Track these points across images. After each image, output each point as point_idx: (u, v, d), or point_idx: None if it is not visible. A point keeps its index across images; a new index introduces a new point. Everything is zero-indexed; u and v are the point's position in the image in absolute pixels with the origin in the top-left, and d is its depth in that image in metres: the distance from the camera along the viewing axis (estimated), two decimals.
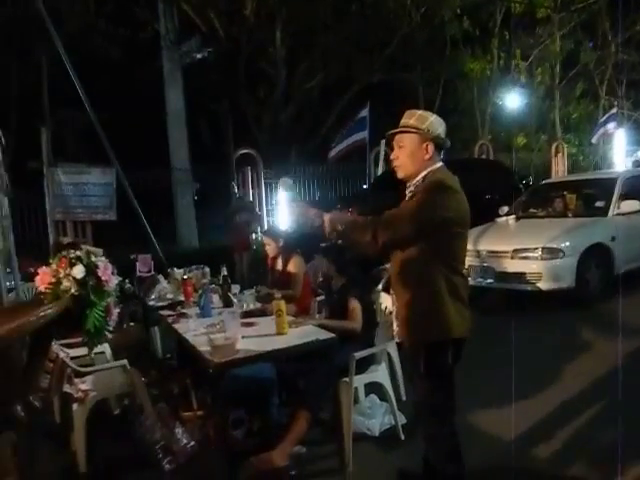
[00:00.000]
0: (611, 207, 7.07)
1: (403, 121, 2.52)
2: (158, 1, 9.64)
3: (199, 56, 9.89)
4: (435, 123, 2.49)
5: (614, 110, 15.93)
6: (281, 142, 11.92)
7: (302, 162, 12.02)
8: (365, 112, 10.60)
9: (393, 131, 2.53)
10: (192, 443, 3.51)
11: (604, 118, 14.99)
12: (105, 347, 4.01)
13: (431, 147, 2.46)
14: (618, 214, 7.01)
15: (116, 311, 2.78)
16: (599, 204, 7.32)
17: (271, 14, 11.74)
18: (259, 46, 11.90)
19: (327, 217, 2.45)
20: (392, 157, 2.56)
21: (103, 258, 2.05)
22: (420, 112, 2.53)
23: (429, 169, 2.47)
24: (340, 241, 2.65)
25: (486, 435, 3.50)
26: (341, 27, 12.32)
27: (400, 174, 2.54)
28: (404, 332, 2.53)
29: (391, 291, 2.67)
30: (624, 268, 6.85)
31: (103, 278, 2.03)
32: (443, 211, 2.35)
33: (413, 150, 2.47)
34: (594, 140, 15.29)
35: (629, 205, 7.05)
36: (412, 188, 2.50)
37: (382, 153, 10.76)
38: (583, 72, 18.63)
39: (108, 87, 11.21)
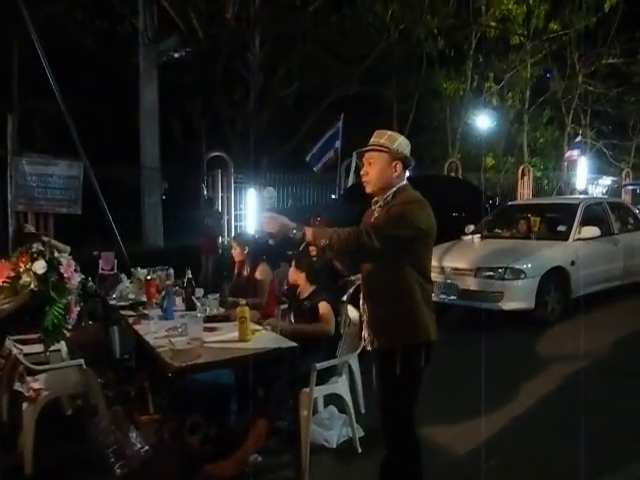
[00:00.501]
0: (572, 232, 7.27)
1: (374, 140, 2.67)
2: None
3: (176, 55, 9.81)
4: (403, 144, 2.67)
5: (579, 138, 16.44)
6: (254, 147, 11.88)
7: (274, 169, 12.00)
8: (339, 123, 10.69)
9: (364, 149, 2.68)
10: (146, 447, 3.44)
11: (570, 145, 15.47)
12: (61, 345, 3.90)
13: (399, 166, 2.64)
14: (578, 239, 7.22)
15: (76, 309, 2.73)
16: (561, 228, 7.52)
17: (251, 19, 11.73)
18: (238, 50, 11.86)
19: (309, 231, 2.48)
20: (362, 172, 2.71)
21: (68, 255, 2.01)
22: (390, 132, 2.70)
23: (398, 186, 2.64)
24: (321, 253, 2.65)
25: (436, 449, 3.54)
26: (320, 37, 12.40)
27: (368, 189, 2.69)
28: (380, 337, 2.60)
29: (361, 301, 2.72)
30: (582, 292, 7.04)
31: (65, 275, 1.99)
32: (420, 223, 2.53)
33: (383, 168, 2.63)
34: (557, 166, 15.75)
35: (589, 231, 7.26)
36: (382, 203, 2.65)
37: (353, 165, 10.83)
38: (551, 100, 19.18)
39: (81, 79, 11.00)
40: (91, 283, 3.68)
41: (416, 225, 2.51)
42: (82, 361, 3.49)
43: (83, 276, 2.52)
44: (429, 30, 14.77)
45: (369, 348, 2.69)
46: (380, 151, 2.62)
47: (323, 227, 2.74)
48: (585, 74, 18.92)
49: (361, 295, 2.73)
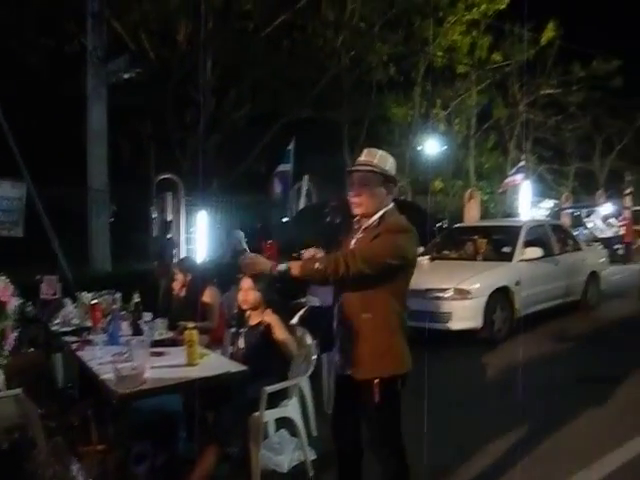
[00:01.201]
0: (516, 253, 7.52)
1: (366, 159, 2.59)
2: (87, 15, 9.36)
3: (126, 76, 9.65)
4: (394, 164, 2.64)
5: (522, 163, 17.09)
6: (204, 169, 11.80)
7: (224, 191, 11.94)
8: (291, 146, 10.76)
9: (358, 168, 2.59)
10: None
11: (513, 170, 16.05)
12: None
13: (391, 187, 2.60)
14: (522, 260, 7.47)
15: (13, 335, 2.61)
16: (506, 249, 7.77)
17: (203, 42, 11.75)
18: (189, 72, 11.83)
19: (295, 265, 2.45)
20: (352, 194, 2.60)
21: (3, 277, 1.93)
22: (381, 152, 2.63)
23: (385, 210, 2.59)
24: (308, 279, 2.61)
25: None
26: (272, 61, 12.52)
27: (359, 210, 2.61)
28: (358, 367, 2.56)
29: (335, 324, 2.67)
30: (526, 310, 7.27)
31: (2, 299, 1.91)
32: (408, 253, 2.52)
33: (376, 190, 2.56)
34: (500, 190, 16.31)
35: (532, 252, 7.53)
36: (366, 226, 2.59)
37: (304, 188, 10.90)
38: (495, 126, 19.94)
39: (25, 98, 10.71)
40: (30, 307, 3.53)
41: (405, 255, 2.50)
42: (20, 391, 3.33)
43: (22, 300, 2.42)
44: (379, 57, 15.15)
45: (339, 372, 2.65)
46: (374, 172, 2.55)
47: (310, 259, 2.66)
48: (526, 103, 19.79)
49: (335, 318, 2.66)
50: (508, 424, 4.24)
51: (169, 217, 9.74)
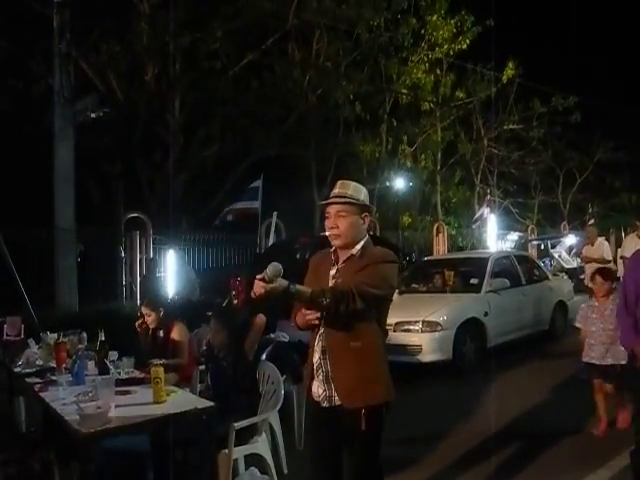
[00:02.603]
0: (484, 284, 7.64)
1: (340, 191, 2.64)
2: (54, 55, 9.40)
3: (94, 115, 9.65)
4: (367, 195, 2.71)
5: (488, 197, 17.51)
6: (173, 208, 11.78)
7: (193, 229, 11.91)
8: (258, 182, 10.86)
9: (335, 201, 2.62)
10: None
11: (484, 204, 16.43)
12: None
13: (367, 218, 2.67)
14: (490, 291, 7.58)
15: None
16: (473, 281, 7.89)
17: (171, 82, 11.88)
18: (157, 112, 11.90)
19: (303, 293, 2.41)
20: (330, 226, 2.63)
21: None
22: (354, 183, 2.69)
23: (365, 240, 2.65)
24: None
25: None
26: (240, 101, 12.69)
27: (338, 242, 2.63)
28: (348, 396, 2.55)
29: (316, 357, 2.63)
30: (496, 341, 7.35)
31: None
32: (394, 282, 2.61)
33: (353, 221, 2.61)
34: (475, 225, 16.63)
35: (499, 282, 7.67)
36: (347, 257, 2.61)
37: (274, 225, 10.96)
38: (461, 161, 20.43)
39: None
40: None
41: (392, 285, 2.59)
42: None
43: None
44: (345, 95, 15.50)
45: (325, 405, 2.62)
46: (351, 203, 2.60)
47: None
48: (490, 138, 20.38)
49: (317, 350, 2.63)
50: (477, 452, 4.26)
51: (150, 255, 9.72)
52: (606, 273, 4.66)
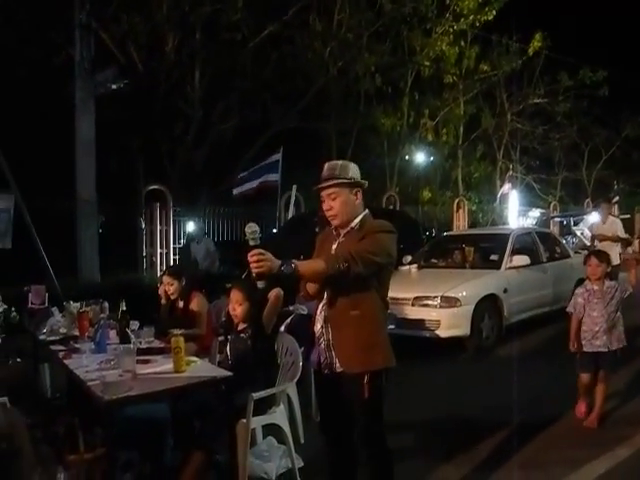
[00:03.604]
0: (504, 261, 7.56)
1: (327, 173, 2.71)
2: (75, 26, 9.40)
3: (114, 87, 9.67)
4: (355, 170, 2.75)
5: (510, 173, 17.27)
6: (193, 181, 11.82)
7: (213, 202, 11.96)
8: (278, 156, 10.81)
9: (323, 185, 2.71)
10: None
11: (506, 182, 16.23)
12: None
13: (359, 193, 2.74)
14: (510, 267, 7.51)
15: None
16: (493, 257, 7.82)
17: (191, 54, 11.81)
18: (177, 83, 11.88)
19: (301, 264, 2.50)
20: (325, 208, 2.73)
21: None
22: (340, 162, 2.76)
23: (363, 214, 2.74)
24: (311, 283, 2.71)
25: None
26: (260, 73, 12.60)
27: (336, 222, 2.74)
28: (349, 362, 2.65)
29: (319, 325, 2.75)
30: (515, 318, 7.31)
31: None
32: (392, 251, 2.66)
33: (346, 199, 2.70)
34: (498, 200, 16.43)
35: (520, 259, 7.58)
36: (347, 230, 2.72)
37: (293, 198, 10.95)
38: (483, 136, 20.11)
39: (12, 108, 10.68)
40: (14, 313, 3.51)
41: (389, 253, 2.64)
42: (6, 399, 3.32)
43: (6, 306, 2.42)
44: (367, 68, 15.28)
45: (326, 372, 2.73)
46: (339, 185, 2.68)
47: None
48: (513, 112, 20.00)
49: (319, 319, 2.75)
50: (493, 432, 4.27)
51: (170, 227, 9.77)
52: (602, 255, 4.44)
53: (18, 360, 4.78)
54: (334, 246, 2.75)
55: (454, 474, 3.62)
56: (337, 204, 2.69)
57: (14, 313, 3.43)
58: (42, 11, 10.03)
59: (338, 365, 2.69)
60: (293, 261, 2.46)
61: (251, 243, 2.46)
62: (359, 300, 2.63)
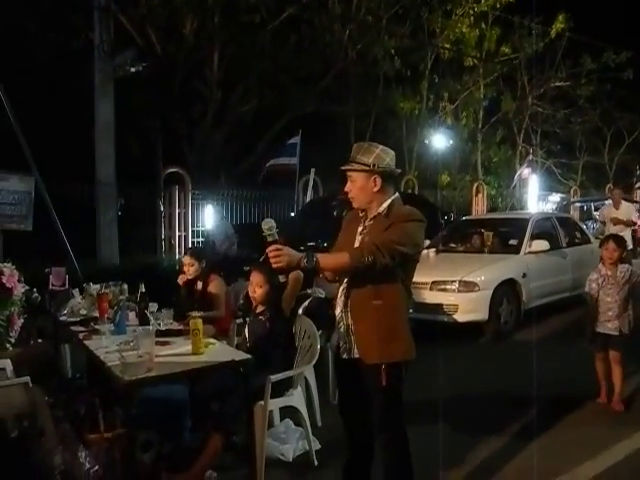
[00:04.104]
0: (523, 246, 7.49)
1: (352, 155, 2.67)
2: (94, 9, 9.41)
3: (133, 70, 9.67)
4: (382, 156, 2.65)
5: (530, 157, 17.01)
6: (211, 164, 11.83)
7: (231, 185, 11.97)
8: (296, 139, 10.77)
9: (343, 168, 2.69)
10: (96, 467, 3.33)
11: (524, 166, 15.97)
12: (6, 363, 3.75)
13: (379, 180, 2.64)
14: (529, 252, 7.44)
15: (20, 322, 2.64)
16: (512, 242, 7.74)
17: (210, 36, 11.76)
18: (196, 66, 11.85)
19: (323, 257, 2.50)
20: (346, 189, 2.71)
21: (9, 265, 1.95)
22: (366, 145, 2.69)
23: (391, 199, 2.66)
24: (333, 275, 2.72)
25: None
26: (278, 56, 12.51)
27: (354, 204, 2.73)
28: (367, 352, 2.61)
29: (339, 310, 2.71)
30: (533, 304, 7.24)
31: (8, 285, 1.94)
32: (420, 241, 2.62)
33: (362, 184, 2.65)
34: (514, 184, 16.21)
35: (539, 244, 7.50)
36: (374, 215, 2.66)
37: (311, 182, 10.92)
38: (503, 120, 19.80)
39: (32, 92, 10.76)
40: (36, 294, 3.56)
41: (418, 243, 2.60)
42: (28, 379, 3.37)
43: (27, 287, 2.45)
44: (386, 50, 15.10)
45: (344, 357, 2.69)
46: (357, 170, 2.64)
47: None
48: (535, 96, 19.65)
49: (339, 303, 2.71)
50: (511, 414, 4.25)
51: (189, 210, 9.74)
52: (620, 240, 4.45)
53: (39, 340, 4.85)
54: (360, 228, 2.72)
55: (464, 457, 3.61)
56: (354, 188, 2.67)
57: (35, 294, 3.47)
58: None
59: (356, 351, 2.65)
60: (315, 254, 2.45)
61: (269, 239, 2.47)
62: (382, 290, 2.58)
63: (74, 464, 3.32)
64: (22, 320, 1.90)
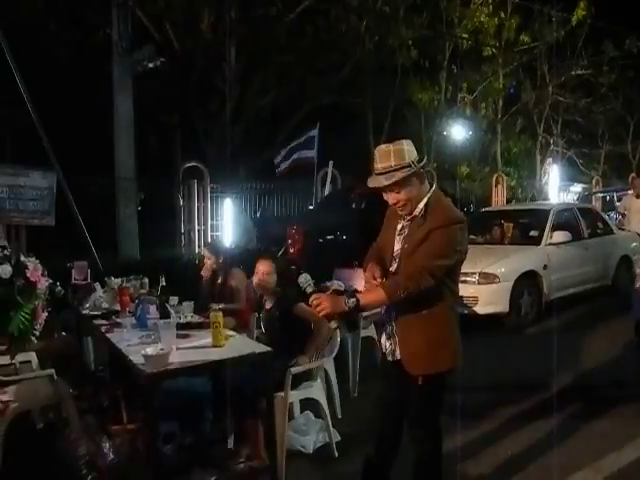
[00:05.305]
0: (544, 237, 7.40)
1: (383, 165, 2.43)
2: (112, 6, 9.48)
3: (151, 65, 9.74)
4: (411, 149, 2.47)
5: (551, 147, 16.76)
6: (230, 157, 11.87)
7: (250, 178, 11.99)
8: (314, 132, 10.74)
9: (387, 184, 2.44)
10: (119, 458, 3.39)
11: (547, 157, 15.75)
12: (31, 356, 3.82)
13: (422, 175, 2.48)
14: (550, 244, 7.35)
15: (44, 315, 2.69)
16: (533, 233, 7.66)
17: (227, 31, 11.76)
18: (213, 61, 11.87)
19: (363, 295, 2.45)
20: (391, 202, 2.52)
21: (33, 259, 1.98)
22: (393, 147, 2.45)
23: (427, 197, 2.49)
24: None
25: None
26: (295, 48, 12.47)
27: (407, 211, 2.52)
28: (415, 361, 2.53)
29: (385, 309, 2.62)
30: (554, 295, 7.16)
31: (32, 279, 1.97)
32: (462, 246, 2.45)
33: (411, 187, 2.46)
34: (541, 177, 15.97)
35: (560, 235, 7.40)
36: (412, 216, 2.51)
37: (330, 174, 10.89)
38: (523, 110, 19.51)
39: (53, 88, 10.88)
40: (59, 288, 3.62)
41: (459, 249, 2.44)
42: (53, 371, 3.43)
43: (51, 281, 2.49)
44: (403, 41, 14.96)
45: (390, 358, 2.62)
46: (399, 177, 2.41)
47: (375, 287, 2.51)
48: (555, 85, 19.32)
49: (383, 307, 2.62)
50: (530, 410, 4.22)
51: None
52: None
53: (63, 334, 4.93)
54: (399, 226, 2.57)
55: (492, 447, 3.59)
56: (402, 196, 2.45)
57: (59, 288, 3.53)
58: None
59: (399, 353, 2.57)
60: (355, 296, 2.41)
61: (308, 290, 2.48)
62: (429, 299, 2.45)
63: (98, 455, 3.38)
64: (46, 313, 1.93)
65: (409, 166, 2.42)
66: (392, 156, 2.42)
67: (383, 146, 2.49)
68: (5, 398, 3.32)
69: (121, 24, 9.58)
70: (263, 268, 3.80)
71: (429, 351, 2.50)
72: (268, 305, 3.83)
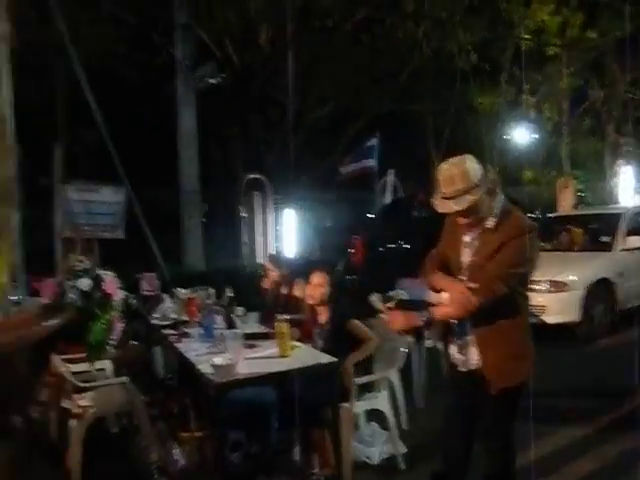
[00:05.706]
0: (617, 242, 7.07)
1: (449, 190, 2.38)
2: (175, 27, 9.86)
3: (213, 81, 10.05)
4: (475, 167, 2.42)
5: (622, 147, 16.02)
6: (290, 168, 12.02)
7: (310, 189, 12.09)
8: (374, 141, 10.73)
9: (457, 209, 2.40)
10: (188, 464, 3.47)
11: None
12: (106, 364, 3.99)
13: (486, 186, 2.43)
14: (624, 249, 7.01)
15: (120, 326, 2.81)
16: (605, 239, 7.34)
17: (284, 44, 11.96)
18: (271, 74, 12.09)
19: (436, 310, 2.45)
20: (462, 222, 2.50)
21: (109, 272, 2.07)
22: (457, 170, 2.39)
23: (496, 211, 2.46)
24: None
25: None
26: (352, 58, 12.52)
27: (477, 226, 2.51)
28: (496, 374, 2.48)
29: (457, 322, 2.58)
30: (630, 304, 6.82)
31: (108, 291, 2.06)
32: (534, 255, 2.44)
33: (480, 207, 2.43)
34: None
35: (635, 241, 7.05)
36: (482, 230, 2.48)
37: (390, 183, 10.84)
38: (590, 109, 18.78)
39: (121, 108, 11.39)
40: (134, 300, 3.76)
41: (531, 258, 2.43)
42: (126, 379, 3.57)
43: (126, 293, 2.59)
44: (461, 45, 14.75)
45: (462, 369, 2.59)
46: (470, 202, 2.37)
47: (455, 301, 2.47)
48: (626, 82, 18.48)
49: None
50: (599, 422, 4.02)
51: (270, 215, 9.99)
52: None
53: (134, 343, 5.11)
54: (466, 239, 2.53)
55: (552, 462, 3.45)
56: (473, 216, 2.45)
57: (134, 300, 3.67)
58: (145, 17, 10.57)
59: (473, 362, 2.53)
60: (428, 309, 2.43)
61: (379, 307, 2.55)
62: (508, 309, 2.43)
63: (168, 460, 3.48)
64: (122, 324, 2.02)
65: (477, 186, 2.38)
66: (458, 180, 2.38)
67: (445, 167, 2.43)
68: (84, 403, 3.47)
69: (183, 44, 9.94)
70: (317, 280, 3.78)
71: (511, 362, 2.47)
72: (322, 319, 3.80)
